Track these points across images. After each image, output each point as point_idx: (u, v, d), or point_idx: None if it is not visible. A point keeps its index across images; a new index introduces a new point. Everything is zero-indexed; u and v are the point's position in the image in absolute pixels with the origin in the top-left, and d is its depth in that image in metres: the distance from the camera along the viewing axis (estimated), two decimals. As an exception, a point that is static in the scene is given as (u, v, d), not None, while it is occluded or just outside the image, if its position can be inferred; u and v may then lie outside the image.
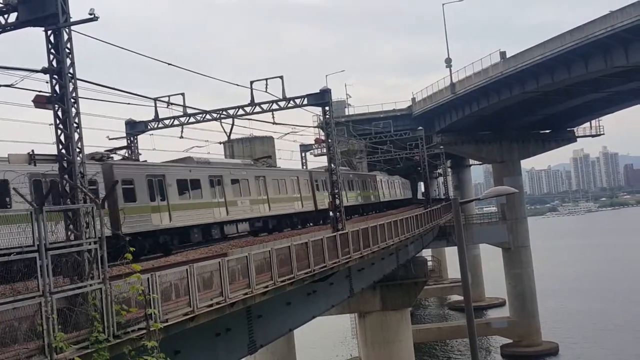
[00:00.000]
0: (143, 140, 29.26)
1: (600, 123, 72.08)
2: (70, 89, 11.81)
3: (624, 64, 40.69)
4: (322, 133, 38.20)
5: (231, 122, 28.06)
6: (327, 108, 26.48)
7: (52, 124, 12.00)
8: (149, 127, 28.20)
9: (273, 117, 27.01)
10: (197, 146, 30.75)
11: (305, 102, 26.11)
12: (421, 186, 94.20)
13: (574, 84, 48.01)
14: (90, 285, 10.70)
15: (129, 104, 21.94)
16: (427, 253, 63.64)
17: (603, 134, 72.71)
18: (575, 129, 70.92)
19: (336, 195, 26.65)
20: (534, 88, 49.27)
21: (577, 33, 41.19)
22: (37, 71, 12.18)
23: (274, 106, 25.97)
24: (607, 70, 42.90)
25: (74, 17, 11.83)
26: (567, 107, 59.66)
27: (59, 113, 11.84)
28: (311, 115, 57.54)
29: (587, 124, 72.20)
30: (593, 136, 73.45)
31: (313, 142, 51.98)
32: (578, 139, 72.12)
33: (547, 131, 68.78)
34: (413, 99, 68.04)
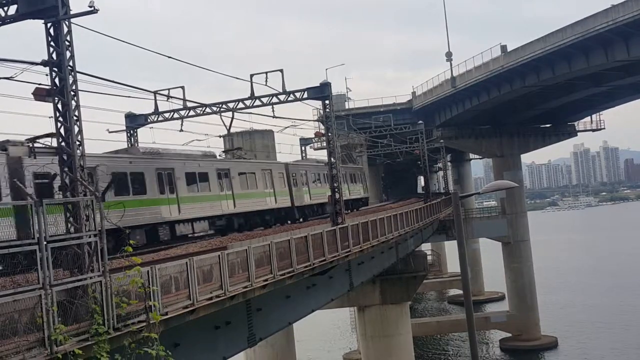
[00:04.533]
0: (143, 133, 29.28)
1: (600, 117, 72.05)
2: (70, 81, 11.79)
3: (625, 58, 40.63)
4: (322, 127, 38.23)
5: (231, 116, 28.06)
6: (327, 102, 26.48)
7: (52, 117, 11.99)
8: (148, 121, 28.21)
9: (273, 111, 27.01)
10: (197, 139, 30.68)
11: (305, 95, 26.11)
12: (421, 180, 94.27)
13: (575, 78, 47.92)
14: (91, 277, 10.72)
15: (129, 97, 21.92)
16: (426, 247, 63.92)
17: (604, 128, 72.64)
18: (575, 124, 70.86)
19: (336, 190, 26.74)
20: (534, 82, 49.20)
21: (579, 27, 41.10)
22: (36, 64, 12.15)
23: (274, 100, 25.97)
24: (608, 64, 42.84)
25: (73, 9, 11.82)
26: (568, 102, 59.57)
27: (59, 106, 11.83)
28: (311, 109, 57.56)
29: (587, 119, 72.13)
30: (594, 130, 73.36)
31: (313, 136, 51.98)
32: (579, 134, 72.12)
33: (548, 125, 68.72)
34: (413, 93, 67.98)
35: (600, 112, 71.22)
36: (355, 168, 49.49)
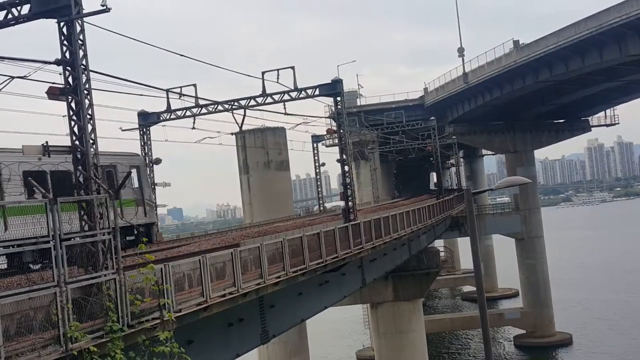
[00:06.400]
0: (155, 131, 29.38)
1: (615, 112, 71.37)
2: (83, 80, 11.86)
3: (639, 52, 40.21)
4: (333, 124, 38.21)
5: (243, 113, 28.12)
6: (338, 98, 26.45)
7: (65, 116, 12.07)
8: (161, 118, 28.32)
9: (285, 108, 27.04)
10: (209, 137, 30.80)
11: (317, 92, 26.10)
12: (433, 176, 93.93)
13: (588, 73, 47.49)
14: (105, 275, 10.79)
15: (141, 95, 22.05)
16: (439, 243, 63.63)
17: (618, 123, 71.99)
18: (589, 119, 70.27)
19: (347, 187, 26.73)
20: (547, 77, 48.80)
21: (592, 21, 40.72)
22: (50, 63, 12.22)
23: (286, 97, 26.00)
24: (622, 59, 42.40)
25: (86, 8, 11.87)
26: (581, 97, 59.06)
27: (72, 104, 11.89)
28: (323, 105, 57.47)
29: (601, 114, 71.48)
30: (608, 125, 72.72)
31: (325, 133, 51.90)
32: (592, 129, 71.50)
33: (561, 121, 68.20)
34: (425, 89, 67.71)
35: (615, 107, 70.56)
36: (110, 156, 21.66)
